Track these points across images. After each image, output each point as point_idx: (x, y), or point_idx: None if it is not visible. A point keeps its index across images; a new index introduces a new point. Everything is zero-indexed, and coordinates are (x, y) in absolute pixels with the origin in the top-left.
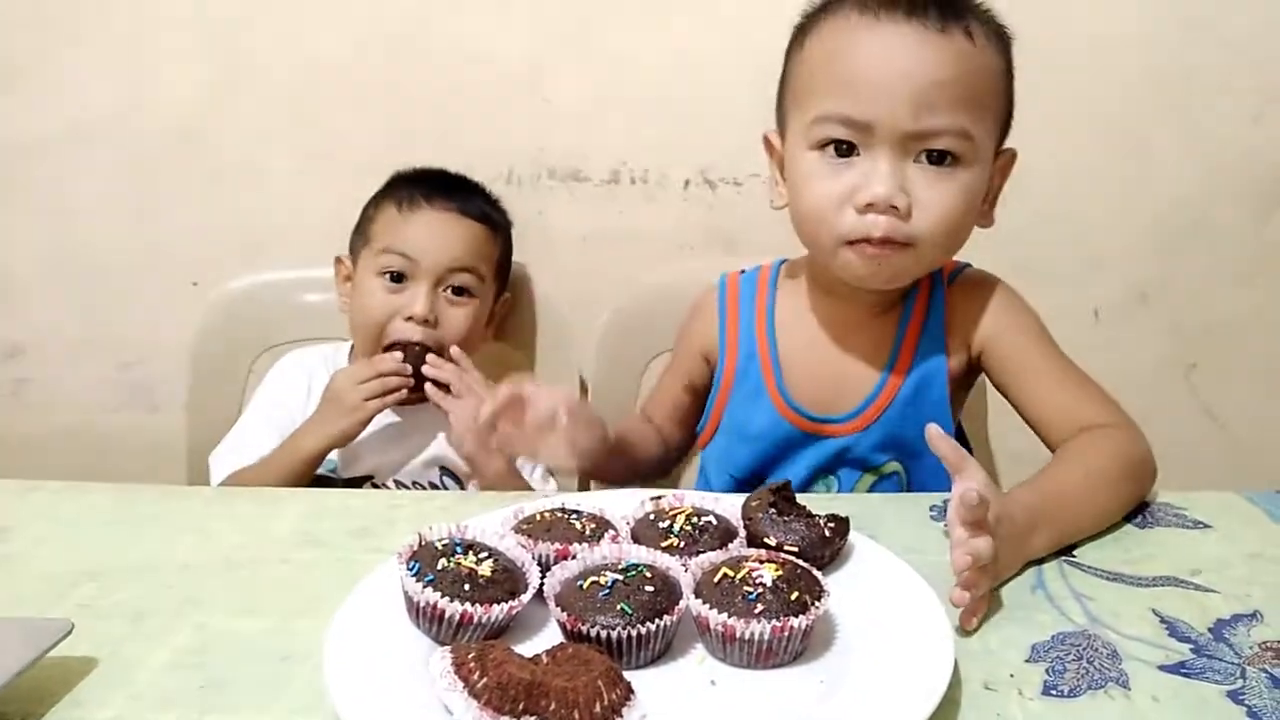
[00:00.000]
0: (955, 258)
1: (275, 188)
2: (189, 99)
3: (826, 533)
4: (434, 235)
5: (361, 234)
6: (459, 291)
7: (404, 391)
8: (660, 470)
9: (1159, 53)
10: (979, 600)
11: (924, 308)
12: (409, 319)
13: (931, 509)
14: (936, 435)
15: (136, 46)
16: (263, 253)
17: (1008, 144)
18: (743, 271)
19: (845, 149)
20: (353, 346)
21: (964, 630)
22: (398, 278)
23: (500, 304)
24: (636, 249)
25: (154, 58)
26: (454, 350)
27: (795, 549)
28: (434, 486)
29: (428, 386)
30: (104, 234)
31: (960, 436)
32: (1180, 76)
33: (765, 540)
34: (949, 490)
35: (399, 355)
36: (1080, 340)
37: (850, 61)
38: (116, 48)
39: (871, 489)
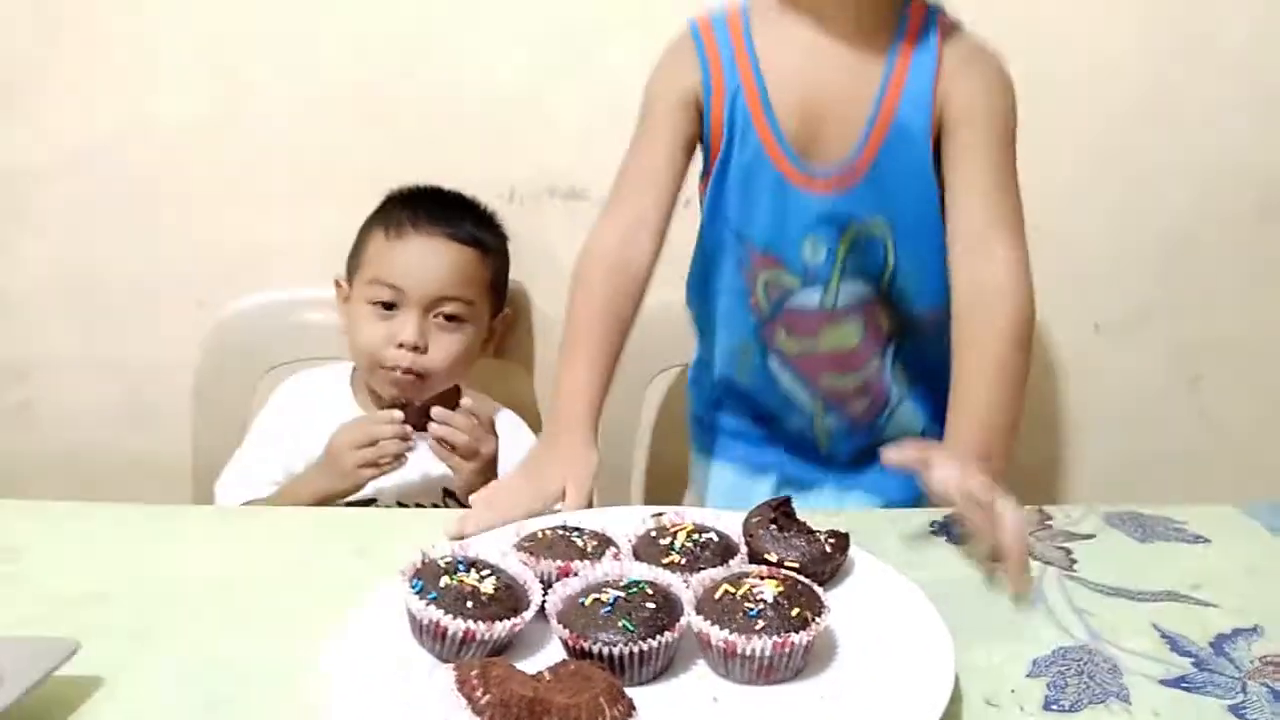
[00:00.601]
0: None
1: (279, 208)
2: (192, 121)
3: (827, 548)
4: (422, 263)
5: (355, 259)
6: (450, 318)
7: (405, 458)
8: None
9: (1153, 70)
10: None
11: (911, 48)
12: (400, 345)
13: (932, 524)
14: (894, 457)
15: (139, 71)
16: (267, 272)
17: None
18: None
19: None
20: (355, 368)
21: (1024, 594)
22: (388, 306)
23: (499, 320)
24: None
25: (157, 81)
26: (465, 402)
27: (796, 565)
28: (435, 507)
29: (432, 443)
30: (108, 256)
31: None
32: (1174, 93)
33: (766, 556)
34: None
35: (399, 415)
36: (1081, 353)
37: None
38: (119, 72)
39: (860, 249)
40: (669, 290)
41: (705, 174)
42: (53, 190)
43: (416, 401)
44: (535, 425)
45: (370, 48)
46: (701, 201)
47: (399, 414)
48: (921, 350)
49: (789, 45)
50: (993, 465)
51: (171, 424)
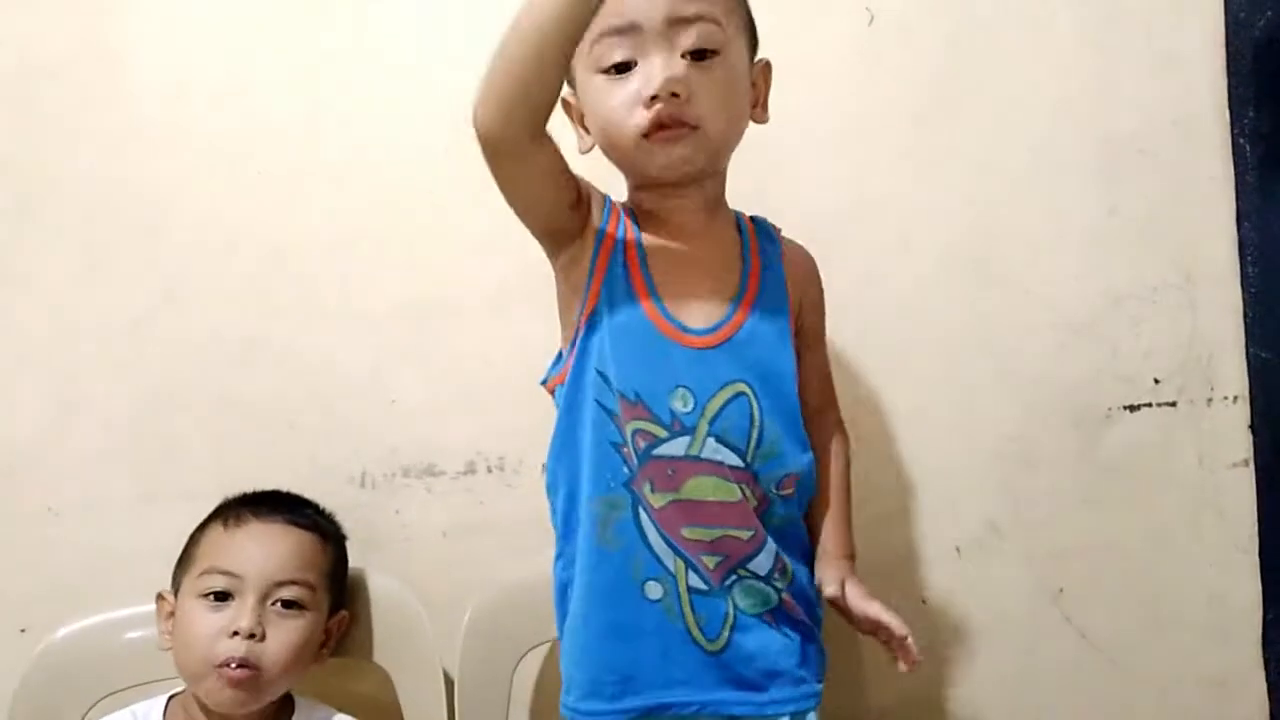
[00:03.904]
0: None
1: (110, 523)
2: (21, 438)
3: None
4: (260, 548)
5: (184, 562)
6: (289, 605)
7: None
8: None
9: (963, 302)
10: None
11: (756, 238)
12: (234, 634)
13: None
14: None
15: None
16: (97, 592)
17: None
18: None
19: (623, 67)
20: (169, 700)
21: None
22: (221, 596)
23: (336, 621)
24: (498, 539)
25: None
26: None
27: None
28: None
29: None
30: None
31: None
32: (984, 321)
33: None
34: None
35: None
36: (947, 576)
37: None
38: None
39: (725, 406)
40: (532, 563)
41: (577, 325)
42: None
43: (250, 708)
44: None
45: (201, 349)
46: (572, 352)
47: None
48: (784, 522)
49: (663, 228)
50: (854, 554)
51: None
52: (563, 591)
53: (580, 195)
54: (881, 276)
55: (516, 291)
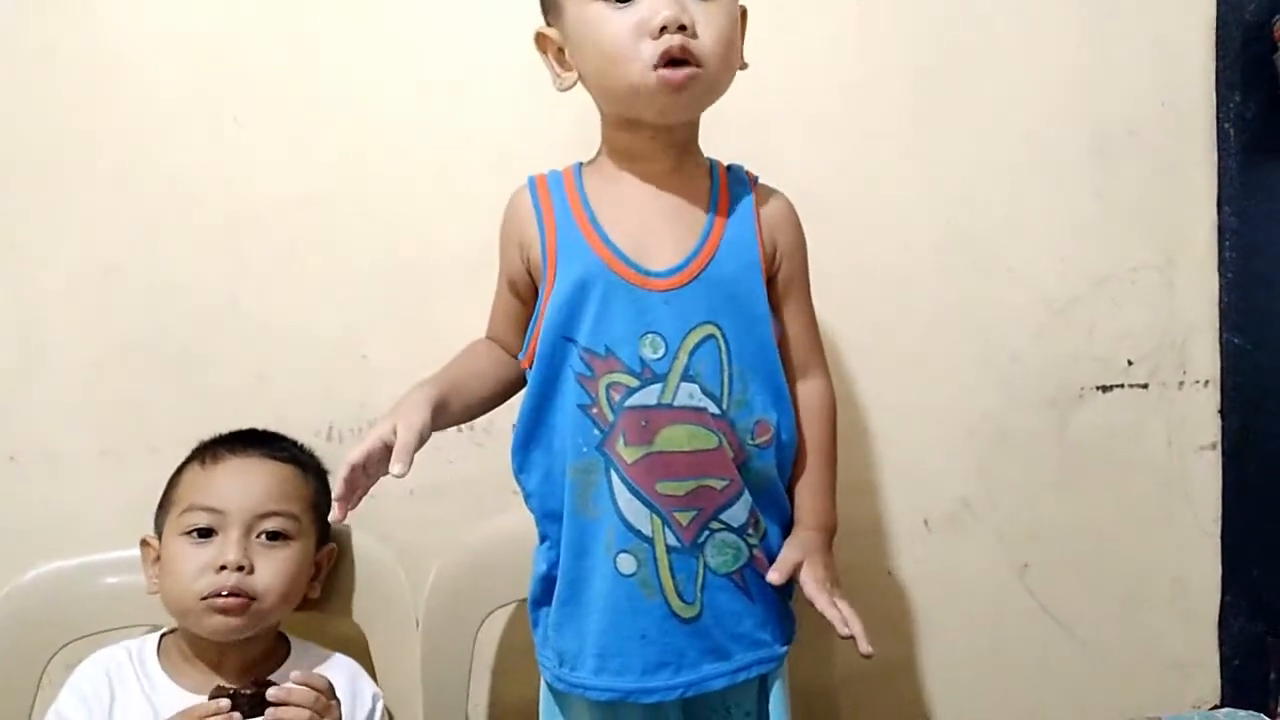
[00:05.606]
0: None
1: (73, 474)
2: None
3: None
4: (240, 481)
5: (165, 504)
6: (274, 536)
7: None
8: (515, 385)
9: (953, 283)
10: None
11: (728, 184)
12: (222, 569)
13: None
14: (776, 578)
15: None
16: (60, 542)
17: None
18: (548, 172)
19: None
20: (162, 637)
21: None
22: (205, 533)
23: (324, 553)
24: (466, 499)
25: None
26: (295, 675)
27: None
28: None
29: None
30: None
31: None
32: (968, 303)
33: None
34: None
35: (225, 703)
36: (917, 550)
37: None
38: None
39: (695, 349)
40: (500, 522)
41: (541, 304)
42: None
43: (245, 634)
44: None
45: (173, 300)
46: (537, 328)
47: (225, 702)
48: (761, 478)
49: (618, 184)
50: (830, 525)
51: None
52: (543, 575)
53: (526, 296)
54: (865, 254)
55: (490, 251)
